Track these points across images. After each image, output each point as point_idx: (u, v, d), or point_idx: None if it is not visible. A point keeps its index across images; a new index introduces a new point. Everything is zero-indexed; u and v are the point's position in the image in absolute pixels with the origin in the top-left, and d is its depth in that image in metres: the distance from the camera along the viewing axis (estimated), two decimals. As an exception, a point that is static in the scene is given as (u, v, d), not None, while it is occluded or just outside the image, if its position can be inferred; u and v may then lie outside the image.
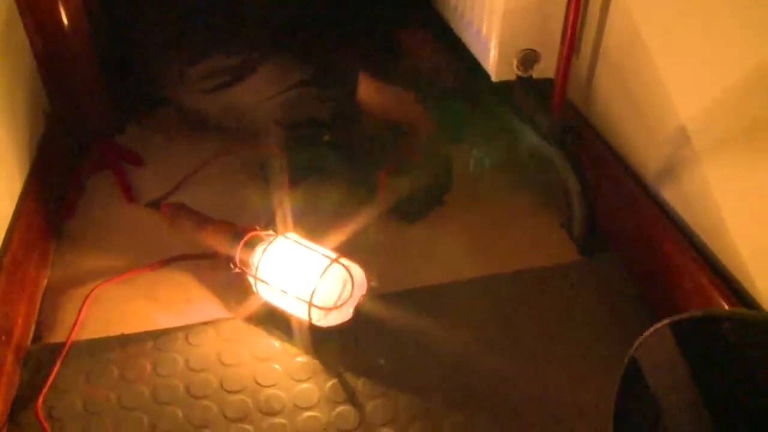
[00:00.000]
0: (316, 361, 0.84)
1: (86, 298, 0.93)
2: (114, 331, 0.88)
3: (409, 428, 0.77)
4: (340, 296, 0.86)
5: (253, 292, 0.90)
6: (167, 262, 0.99)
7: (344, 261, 0.86)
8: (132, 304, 0.93)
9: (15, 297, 0.85)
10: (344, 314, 0.86)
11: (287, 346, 0.87)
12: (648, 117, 0.91)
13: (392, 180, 1.05)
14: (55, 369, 0.83)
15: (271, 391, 0.81)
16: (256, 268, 0.88)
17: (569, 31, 0.98)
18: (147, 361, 0.85)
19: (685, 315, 0.48)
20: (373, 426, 0.77)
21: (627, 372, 0.51)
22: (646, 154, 0.93)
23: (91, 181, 1.16)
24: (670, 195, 0.88)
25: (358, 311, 0.86)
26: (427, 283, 0.95)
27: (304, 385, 0.82)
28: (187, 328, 0.89)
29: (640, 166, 0.94)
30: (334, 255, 0.86)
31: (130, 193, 1.12)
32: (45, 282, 0.96)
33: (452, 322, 0.90)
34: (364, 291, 0.87)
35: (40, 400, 0.79)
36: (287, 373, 0.83)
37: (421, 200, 1.08)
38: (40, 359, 0.84)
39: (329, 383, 0.82)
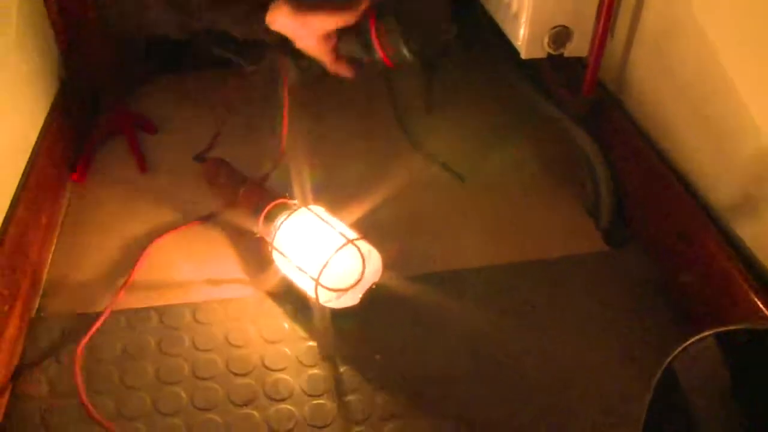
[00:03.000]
0: (325, 346, 0.81)
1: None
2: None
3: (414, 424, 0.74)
4: (361, 278, 0.82)
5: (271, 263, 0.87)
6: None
7: (362, 244, 0.82)
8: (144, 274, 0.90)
9: (20, 264, 0.83)
10: (353, 299, 0.83)
11: (297, 328, 0.83)
12: (698, 106, 0.85)
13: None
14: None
15: (279, 375, 0.78)
16: (274, 238, 0.85)
17: (605, 7, 0.93)
18: (152, 338, 0.82)
19: (737, 326, 0.44)
20: (381, 420, 0.74)
21: (662, 381, 0.47)
22: (692, 145, 0.87)
23: (104, 146, 1.13)
24: (719, 197, 0.83)
25: (374, 295, 0.82)
26: (446, 267, 0.92)
27: (313, 371, 0.79)
28: (194, 306, 0.86)
29: (684, 160, 0.89)
30: (354, 235, 0.82)
31: (143, 162, 1.09)
32: (52, 247, 0.94)
33: (469, 307, 0.86)
34: (377, 278, 0.83)
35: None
36: (296, 358, 0.80)
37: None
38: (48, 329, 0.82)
39: (341, 369, 0.79)
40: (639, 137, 0.96)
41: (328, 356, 0.80)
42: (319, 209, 0.88)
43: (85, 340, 0.80)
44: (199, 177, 1.03)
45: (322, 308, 0.82)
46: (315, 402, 0.75)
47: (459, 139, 1.14)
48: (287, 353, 0.81)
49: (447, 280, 0.90)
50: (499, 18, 1.03)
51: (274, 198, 0.89)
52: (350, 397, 0.76)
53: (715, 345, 0.44)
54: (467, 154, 1.10)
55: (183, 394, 0.76)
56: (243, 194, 0.93)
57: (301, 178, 0.99)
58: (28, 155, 0.93)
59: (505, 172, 1.08)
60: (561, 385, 0.77)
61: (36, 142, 0.96)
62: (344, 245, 0.80)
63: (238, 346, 0.81)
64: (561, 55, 0.99)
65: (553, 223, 1.00)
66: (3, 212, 0.83)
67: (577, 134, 1.01)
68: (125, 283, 0.88)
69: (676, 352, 0.46)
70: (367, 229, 0.85)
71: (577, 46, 0.98)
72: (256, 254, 0.91)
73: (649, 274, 0.91)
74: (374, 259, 0.83)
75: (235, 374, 0.78)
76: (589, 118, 1.02)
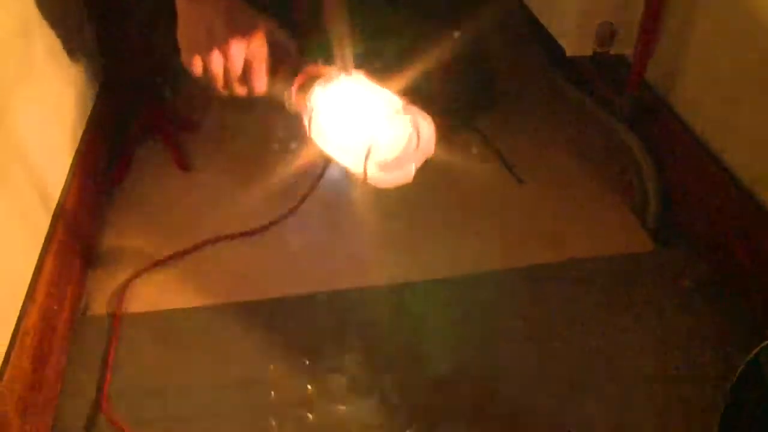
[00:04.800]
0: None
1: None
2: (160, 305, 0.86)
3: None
4: (405, 152, 0.72)
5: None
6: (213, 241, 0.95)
7: (414, 111, 0.70)
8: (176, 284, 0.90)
9: (68, 264, 0.83)
10: (406, 173, 0.72)
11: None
12: (752, 107, 0.83)
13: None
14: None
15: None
16: (312, 110, 0.74)
17: (654, 2, 0.92)
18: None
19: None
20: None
21: (744, 374, 0.46)
22: (746, 146, 0.85)
23: (143, 146, 1.12)
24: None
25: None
26: (485, 268, 0.90)
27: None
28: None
29: (737, 162, 0.86)
30: (401, 102, 0.70)
31: (183, 161, 1.08)
32: (95, 252, 0.94)
33: (514, 309, 0.85)
34: (431, 151, 0.72)
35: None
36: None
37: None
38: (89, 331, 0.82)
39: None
40: (688, 137, 0.94)
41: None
42: (360, 76, 0.75)
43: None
44: (243, 175, 1.02)
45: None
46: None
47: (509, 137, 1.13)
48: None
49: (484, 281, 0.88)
50: (542, 14, 1.02)
51: (307, 67, 0.76)
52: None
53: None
54: (515, 152, 1.09)
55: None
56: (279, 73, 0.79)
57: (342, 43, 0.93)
58: (71, 159, 0.94)
59: (548, 170, 1.07)
60: (624, 391, 0.76)
61: (81, 139, 0.97)
62: (396, 111, 0.69)
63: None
64: (606, 52, 0.98)
65: (598, 222, 0.98)
66: (53, 205, 0.84)
67: (623, 134, 0.99)
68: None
69: (758, 348, 0.44)
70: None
71: (623, 43, 0.97)
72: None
73: (699, 273, 0.89)
74: (427, 128, 0.71)
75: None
76: (635, 118, 1.00)
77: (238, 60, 0.73)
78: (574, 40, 0.95)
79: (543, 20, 1.01)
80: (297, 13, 1.04)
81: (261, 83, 0.75)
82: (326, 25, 0.96)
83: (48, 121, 0.88)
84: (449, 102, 1.06)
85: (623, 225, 0.97)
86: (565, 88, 1.12)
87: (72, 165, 0.92)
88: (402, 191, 0.69)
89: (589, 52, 0.97)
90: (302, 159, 0.98)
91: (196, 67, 0.74)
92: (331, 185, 1.00)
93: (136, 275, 0.89)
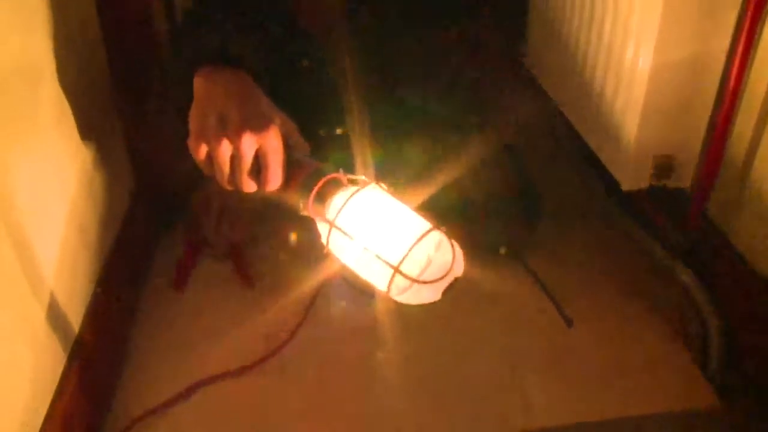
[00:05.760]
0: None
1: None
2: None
3: None
4: (423, 271, 0.65)
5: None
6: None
7: (442, 229, 0.66)
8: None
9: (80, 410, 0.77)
10: (435, 294, 0.66)
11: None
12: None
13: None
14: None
15: None
16: (335, 217, 0.67)
17: (717, 136, 0.86)
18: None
19: None
20: None
21: None
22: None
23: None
24: None
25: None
26: (529, 426, 0.82)
27: None
28: None
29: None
30: (428, 219, 0.66)
31: (249, 278, 1.03)
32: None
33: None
34: (461, 271, 0.66)
35: None
36: None
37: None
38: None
39: None
40: (752, 277, 0.86)
41: None
42: (384, 190, 0.70)
43: None
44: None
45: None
46: None
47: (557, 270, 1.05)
48: None
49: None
50: (597, 145, 0.97)
51: (328, 173, 0.69)
52: None
53: None
54: (564, 287, 1.01)
55: None
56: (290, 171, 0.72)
57: (364, 151, 0.85)
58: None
59: (600, 310, 0.98)
60: None
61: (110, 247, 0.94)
62: (430, 230, 0.64)
63: None
64: (663, 185, 0.92)
65: (655, 373, 0.89)
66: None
67: (681, 273, 0.92)
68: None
69: None
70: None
71: (682, 176, 0.91)
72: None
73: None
74: (456, 248, 0.66)
75: None
76: (693, 255, 0.93)
77: (249, 151, 0.66)
78: (631, 174, 0.89)
79: (598, 151, 0.96)
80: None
81: (276, 178, 0.68)
82: (349, 132, 0.93)
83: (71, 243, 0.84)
84: (492, 232, 1.00)
85: (683, 376, 0.88)
86: (618, 219, 1.05)
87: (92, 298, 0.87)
88: (432, 333, 0.62)
89: (645, 186, 0.91)
90: (319, 273, 0.93)
91: (201, 154, 0.68)
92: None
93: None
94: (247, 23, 0.86)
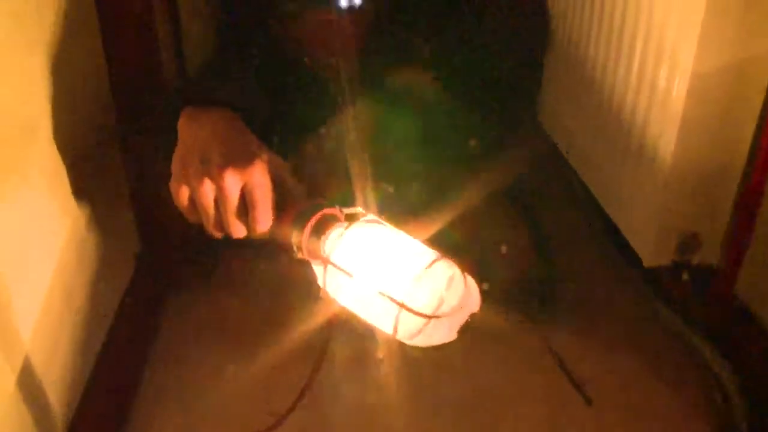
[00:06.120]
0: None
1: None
2: None
3: None
4: (437, 308, 0.60)
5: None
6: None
7: (452, 263, 0.61)
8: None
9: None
10: (450, 333, 0.61)
11: None
12: None
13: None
14: None
15: None
16: (331, 254, 0.62)
17: (744, 213, 0.82)
18: None
19: None
20: None
21: None
22: None
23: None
24: None
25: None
26: None
27: None
28: None
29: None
30: (435, 252, 0.61)
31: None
32: None
33: None
34: (477, 307, 0.62)
35: None
36: None
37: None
38: None
39: None
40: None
41: None
42: (384, 223, 0.66)
43: None
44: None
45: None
46: None
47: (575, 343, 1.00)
48: None
49: None
50: (618, 218, 0.93)
51: (323, 208, 0.65)
52: None
53: None
54: (582, 361, 0.96)
55: None
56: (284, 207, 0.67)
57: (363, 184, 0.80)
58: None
59: (620, 387, 0.93)
60: None
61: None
62: (436, 260, 0.59)
63: None
64: (688, 261, 0.88)
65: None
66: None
67: (708, 353, 0.87)
68: None
69: None
70: None
71: (708, 253, 0.87)
72: None
73: None
74: (469, 283, 0.61)
75: None
76: (720, 333, 0.89)
77: (233, 188, 0.61)
78: (652, 251, 0.85)
79: (620, 224, 0.92)
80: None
81: (265, 217, 0.63)
82: (347, 165, 0.89)
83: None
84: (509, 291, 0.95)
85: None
86: (644, 294, 1.00)
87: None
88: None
89: (667, 262, 0.87)
90: (315, 317, 0.87)
91: (183, 197, 0.63)
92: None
93: None
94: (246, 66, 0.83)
